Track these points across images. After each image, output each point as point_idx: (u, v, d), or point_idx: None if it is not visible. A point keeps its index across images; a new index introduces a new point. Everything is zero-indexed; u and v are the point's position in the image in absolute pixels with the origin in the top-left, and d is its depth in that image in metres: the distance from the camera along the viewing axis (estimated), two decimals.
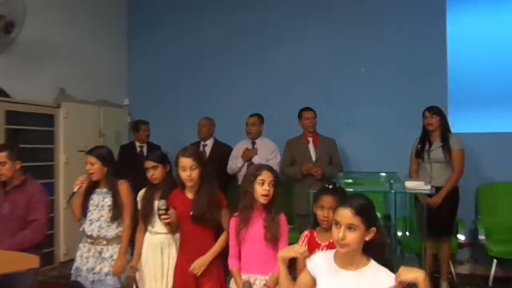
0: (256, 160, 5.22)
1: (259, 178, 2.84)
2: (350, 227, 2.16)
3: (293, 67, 6.28)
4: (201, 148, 5.58)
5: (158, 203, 3.19)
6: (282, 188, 2.94)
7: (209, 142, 5.70)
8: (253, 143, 5.43)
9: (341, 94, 5.99)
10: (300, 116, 5.27)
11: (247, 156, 5.29)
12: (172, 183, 3.37)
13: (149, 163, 3.45)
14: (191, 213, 3.11)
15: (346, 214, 2.15)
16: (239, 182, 4.85)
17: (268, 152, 5.31)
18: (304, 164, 5.10)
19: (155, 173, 3.42)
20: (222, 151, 5.54)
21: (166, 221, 3.15)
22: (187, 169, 3.11)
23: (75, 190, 3.52)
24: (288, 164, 5.22)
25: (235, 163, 5.32)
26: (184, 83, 6.84)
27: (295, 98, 6.06)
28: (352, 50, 5.98)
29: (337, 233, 2.19)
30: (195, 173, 3.10)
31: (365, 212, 2.17)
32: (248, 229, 2.88)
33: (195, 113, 5.98)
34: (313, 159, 5.19)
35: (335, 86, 6.02)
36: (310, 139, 5.27)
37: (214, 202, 3.08)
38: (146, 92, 7.03)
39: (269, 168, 2.92)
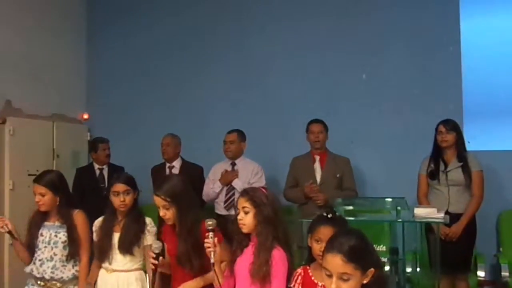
0: (236, 184, 5.08)
1: (238, 205, 2.77)
2: (342, 277, 2.06)
3: (284, 72, 6.18)
4: (167, 170, 5.40)
5: (151, 244, 3.08)
6: (278, 215, 2.77)
7: (176, 163, 5.51)
8: (233, 164, 5.26)
9: (343, 107, 5.91)
10: (307, 129, 5.10)
11: (226, 179, 5.11)
12: (139, 214, 3.35)
13: (119, 187, 3.36)
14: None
15: (336, 263, 2.05)
16: (217, 210, 5.00)
17: (250, 174, 5.14)
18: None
19: (126, 199, 3.36)
20: (192, 173, 5.30)
21: (153, 267, 2.99)
22: (161, 209, 3.04)
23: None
24: (291, 185, 5.08)
25: (212, 187, 5.13)
26: (153, 95, 6.76)
27: (286, 111, 6.01)
28: (356, 56, 5.92)
29: (329, 283, 2.09)
30: (170, 213, 3.00)
31: (359, 255, 2.07)
32: (238, 261, 2.81)
33: (165, 129, 5.86)
34: (318, 181, 4.98)
35: (336, 97, 5.97)
36: (317, 157, 5.09)
37: (197, 242, 2.95)
38: (108, 105, 6.92)
39: (243, 193, 2.81)
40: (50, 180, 3.47)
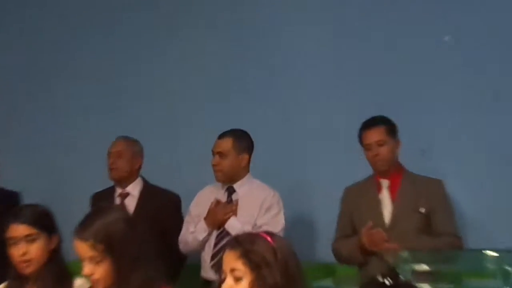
0: (233, 226, 4.02)
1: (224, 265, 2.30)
2: None
3: (303, 41, 4.99)
4: (117, 200, 4.42)
5: None
6: (295, 285, 2.25)
7: (134, 188, 4.47)
8: (229, 191, 4.12)
9: (405, 97, 4.78)
10: (359, 138, 4.10)
11: (215, 217, 4.07)
12: (62, 274, 2.81)
13: (17, 230, 2.82)
14: None
15: None
16: (203, 272, 4.07)
17: (259, 208, 4.06)
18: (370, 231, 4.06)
19: (30, 250, 2.80)
20: (162, 205, 4.35)
21: None
22: (86, 263, 2.50)
23: None
24: (344, 234, 4.18)
25: (192, 231, 4.10)
26: (80, 76, 5.59)
27: (307, 104, 4.89)
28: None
29: None
30: (100, 271, 2.45)
31: None
32: None
33: (107, 133, 4.79)
34: (386, 221, 4.05)
35: (393, 82, 4.82)
36: (384, 183, 4.12)
37: None
38: None
39: (233, 244, 2.24)
40: None
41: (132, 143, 4.45)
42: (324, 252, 4.22)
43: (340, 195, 4.21)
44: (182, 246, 4.09)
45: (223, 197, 4.04)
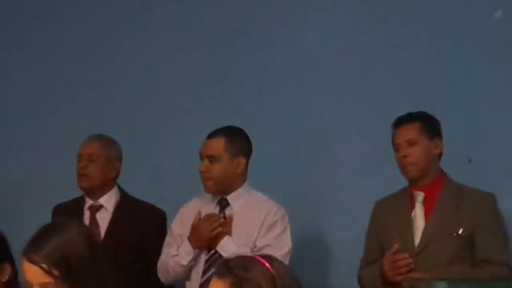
0: (227, 247, 3.64)
1: None
2: None
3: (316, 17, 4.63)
4: (87, 214, 4.02)
5: None
6: None
7: (108, 200, 4.06)
8: (222, 205, 3.72)
9: (449, 88, 4.31)
10: (392, 138, 3.75)
11: (202, 234, 3.69)
12: None
13: None
14: None
15: None
16: None
17: (258, 226, 3.65)
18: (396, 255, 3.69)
19: None
20: (142, 221, 3.98)
21: None
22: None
23: None
24: (372, 258, 3.80)
25: (175, 254, 3.70)
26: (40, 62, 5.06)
27: (320, 102, 4.46)
28: None
29: None
30: None
31: None
32: None
33: (73, 132, 4.45)
34: (416, 244, 3.71)
35: (434, 72, 4.36)
36: (419, 197, 3.70)
37: None
38: None
39: (222, 270, 2.02)
40: None
41: (109, 144, 4.01)
42: (341, 282, 3.92)
43: (361, 210, 3.85)
44: (161, 274, 3.65)
45: (213, 210, 3.61)
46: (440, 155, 3.64)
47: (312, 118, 4.45)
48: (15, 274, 2.62)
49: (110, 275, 2.31)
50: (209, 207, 3.62)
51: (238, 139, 3.65)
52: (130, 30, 4.89)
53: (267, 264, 1.94)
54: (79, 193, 3.92)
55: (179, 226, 3.67)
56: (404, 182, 3.64)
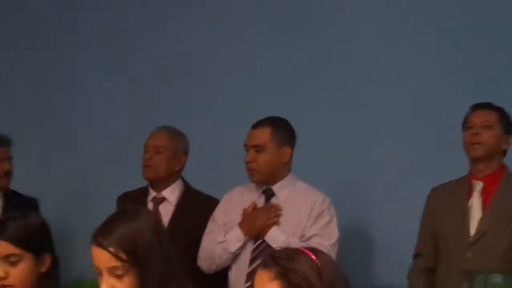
0: (275, 237, 3.58)
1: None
2: None
3: None
4: (150, 205, 3.96)
5: None
6: None
7: (171, 193, 4.04)
8: (267, 195, 3.68)
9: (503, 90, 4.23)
10: (464, 121, 3.71)
11: (253, 225, 3.65)
12: None
13: None
14: None
15: None
16: None
17: (307, 216, 3.61)
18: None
19: (11, 273, 2.58)
20: (203, 214, 3.91)
21: None
22: (105, 276, 2.29)
23: None
24: (425, 250, 3.79)
25: (221, 241, 3.69)
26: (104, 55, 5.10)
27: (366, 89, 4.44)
28: None
29: None
30: (123, 286, 2.27)
31: None
32: None
33: (135, 125, 4.59)
34: (471, 234, 3.66)
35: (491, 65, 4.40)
36: (478, 186, 3.72)
37: None
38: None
39: (269, 262, 2.00)
40: None
41: (177, 137, 4.01)
42: (385, 275, 3.89)
43: (408, 200, 3.86)
44: (204, 263, 3.63)
45: (260, 201, 3.61)
46: (505, 151, 3.68)
47: (363, 110, 4.43)
48: (55, 266, 2.66)
49: (177, 263, 2.30)
50: (254, 196, 3.62)
51: (283, 129, 3.64)
52: (188, 22, 4.89)
53: (313, 256, 1.95)
54: (143, 183, 4.01)
55: (223, 215, 3.68)
56: (455, 175, 3.65)
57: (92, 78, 5.09)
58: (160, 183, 3.94)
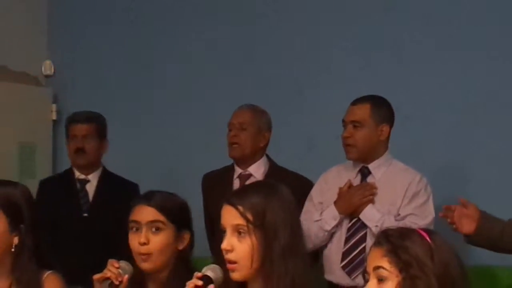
0: (370, 215, 3.60)
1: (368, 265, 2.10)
2: None
3: None
4: (236, 182, 4.04)
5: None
6: None
7: (257, 169, 4.06)
8: (363, 173, 3.70)
9: None
10: None
11: (352, 201, 3.69)
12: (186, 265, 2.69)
13: (141, 212, 2.74)
14: None
15: None
16: (329, 273, 3.64)
17: (403, 194, 3.59)
18: None
19: (153, 240, 2.69)
20: (292, 191, 3.29)
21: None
22: (229, 236, 2.37)
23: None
24: None
25: (317, 219, 3.69)
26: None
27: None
28: None
29: None
30: (242, 248, 2.34)
31: None
32: None
33: (228, 100, 4.47)
34: None
35: None
36: None
37: None
38: (85, 53, 5.38)
39: (381, 240, 2.12)
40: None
41: (260, 113, 4.05)
42: (482, 254, 3.70)
43: (505, 186, 3.79)
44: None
45: (355, 179, 3.61)
46: None
47: (459, 92, 4.34)
48: (191, 245, 2.73)
49: (301, 242, 2.37)
50: (350, 175, 3.62)
51: (383, 106, 3.63)
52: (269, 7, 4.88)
53: (426, 236, 1.96)
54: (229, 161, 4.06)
55: (319, 193, 3.68)
56: None
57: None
58: (246, 160, 3.98)
